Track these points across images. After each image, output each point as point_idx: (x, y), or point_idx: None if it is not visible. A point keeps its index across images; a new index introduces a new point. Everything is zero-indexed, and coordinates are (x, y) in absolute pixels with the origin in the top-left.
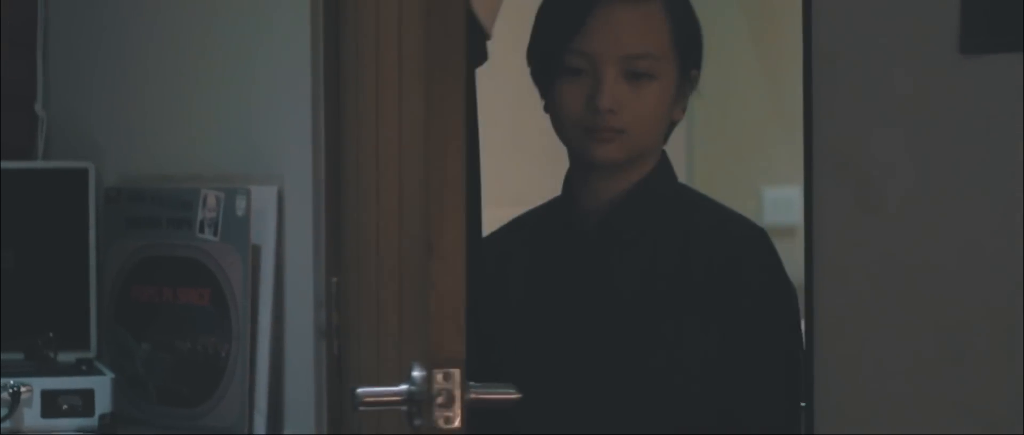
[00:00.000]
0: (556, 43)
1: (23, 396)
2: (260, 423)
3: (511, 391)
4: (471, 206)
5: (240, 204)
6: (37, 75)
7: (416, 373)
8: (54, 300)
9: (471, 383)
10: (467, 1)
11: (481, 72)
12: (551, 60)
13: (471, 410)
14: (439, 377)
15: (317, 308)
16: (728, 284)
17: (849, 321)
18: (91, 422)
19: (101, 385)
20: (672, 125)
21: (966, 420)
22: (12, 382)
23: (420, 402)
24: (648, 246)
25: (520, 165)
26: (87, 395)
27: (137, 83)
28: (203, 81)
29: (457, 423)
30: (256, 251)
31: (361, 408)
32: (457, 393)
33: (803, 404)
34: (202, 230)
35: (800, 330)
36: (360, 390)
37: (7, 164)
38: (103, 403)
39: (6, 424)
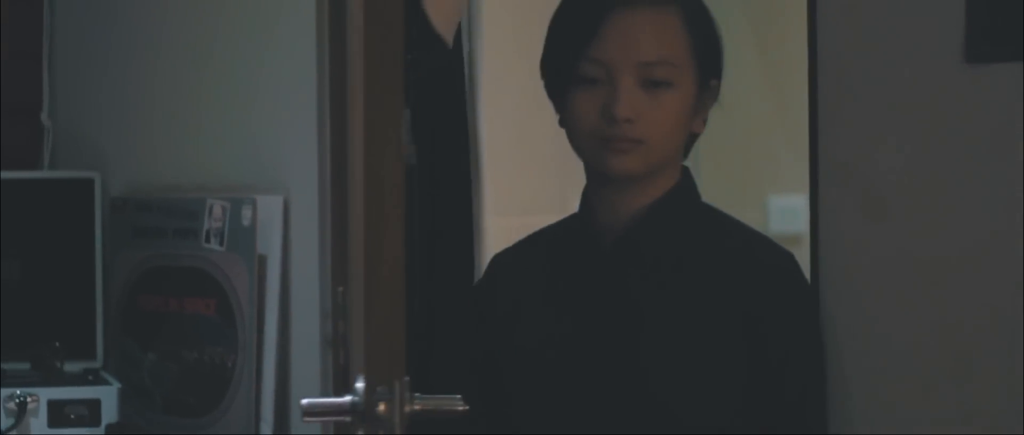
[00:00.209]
0: (570, 52)
1: (30, 406)
2: (266, 433)
3: (457, 402)
4: (466, 217)
5: (246, 214)
6: (43, 85)
7: (358, 384)
8: (60, 310)
9: (417, 394)
10: (422, 11)
11: (487, 83)
12: (565, 70)
13: (420, 421)
14: (380, 388)
15: (323, 318)
16: (757, 311)
17: (855, 328)
18: (98, 432)
19: (107, 395)
20: (693, 138)
21: (972, 424)
22: (19, 392)
23: (361, 413)
24: (670, 266)
25: (527, 176)
26: (94, 405)
27: (143, 93)
28: (209, 91)
29: (398, 433)
30: (262, 261)
31: (306, 419)
32: (397, 404)
33: None
34: (208, 240)
35: (825, 361)
36: (304, 401)
37: (15, 174)
38: (110, 413)
39: (13, 434)
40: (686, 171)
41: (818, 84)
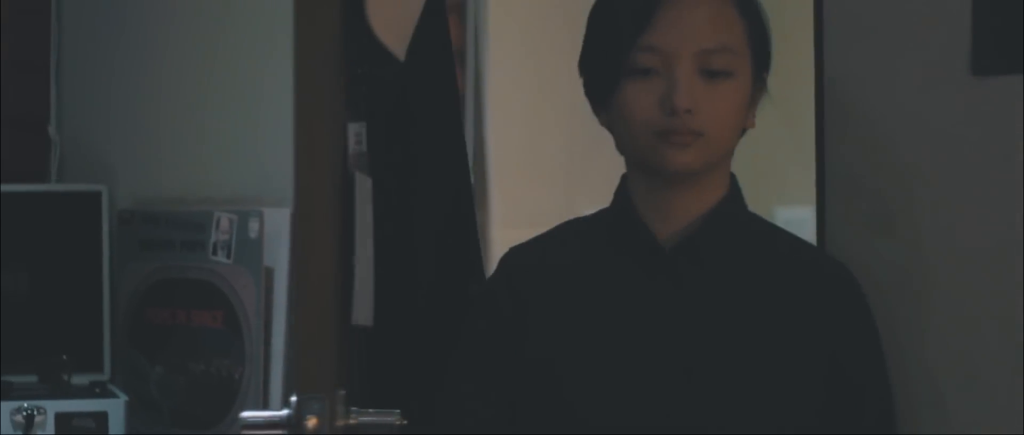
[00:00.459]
0: (621, 42)
1: (37, 419)
2: None
3: (395, 416)
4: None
5: (253, 226)
6: (50, 98)
7: (293, 398)
8: (67, 323)
9: (353, 408)
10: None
11: (495, 94)
12: (615, 61)
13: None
14: (312, 403)
15: None
16: (822, 325)
17: None
18: None
19: (115, 408)
20: (742, 133)
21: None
22: (26, 405)
23: (295, 426)
24: (734, 275)
25: (535, 187)
26: (101, 418)
27: (150, 106)
28: (215, 104)
29: None
30: (269, 273)
31: (243, 432)
32: (327, 418)
33: None
34: (215, 252)
35: (888, 374)
36: (243, 414)
37: (21, 187)
38: (117, 426)
39: None
40: (734, 177)
41: (825, 96)
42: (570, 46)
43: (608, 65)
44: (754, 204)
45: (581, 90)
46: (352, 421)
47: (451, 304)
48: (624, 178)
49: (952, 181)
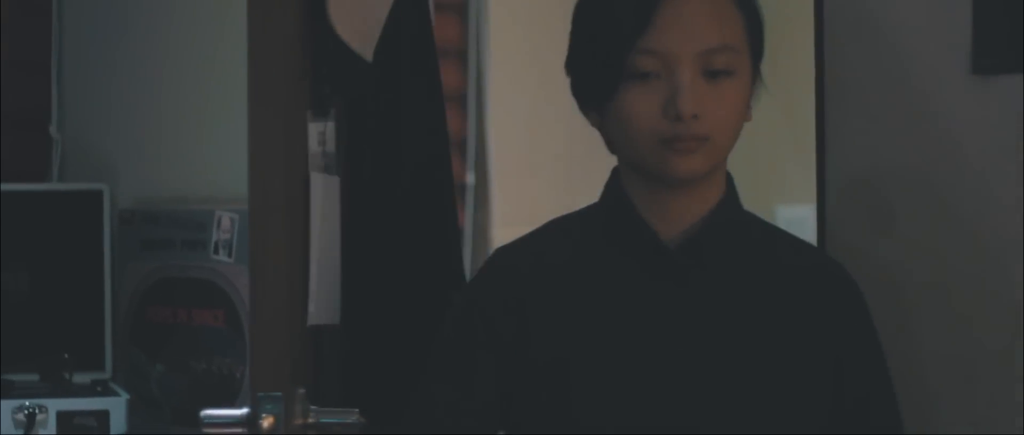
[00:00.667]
0: (620, 44)
1: (38, 417)
2: None
3: (353, 416)
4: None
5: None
6: (51, 97)
7: (260, 395)
8: (69, 321)
9: (313, 407)
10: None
11: (496, 93)
12: (612, 66)
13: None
14: (267, 403)
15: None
16: (826, 326)
17: None
18: None
19: (116, 406)
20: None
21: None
22: (27, 403)
23: (251, 425)
24: (735, 278)
25: (535, 185)
26: (102, 416)
27: (151, 105)
28: (217, 103)
29: None
30: None
31: (204, 430)
32: (284, 417)
33: None
34: (216, 251)
35: (891, 376)
36: (203, 413)
37: (23, 186)
38: (118, 424)
39: None
40: (730, 177)
41: (825, 94)
42: None
43: (605, 69)
44: (755, 203)
45: None
46: (310, 420)
47: (428, 304)
48: (616, 174)
49: (953, 180)
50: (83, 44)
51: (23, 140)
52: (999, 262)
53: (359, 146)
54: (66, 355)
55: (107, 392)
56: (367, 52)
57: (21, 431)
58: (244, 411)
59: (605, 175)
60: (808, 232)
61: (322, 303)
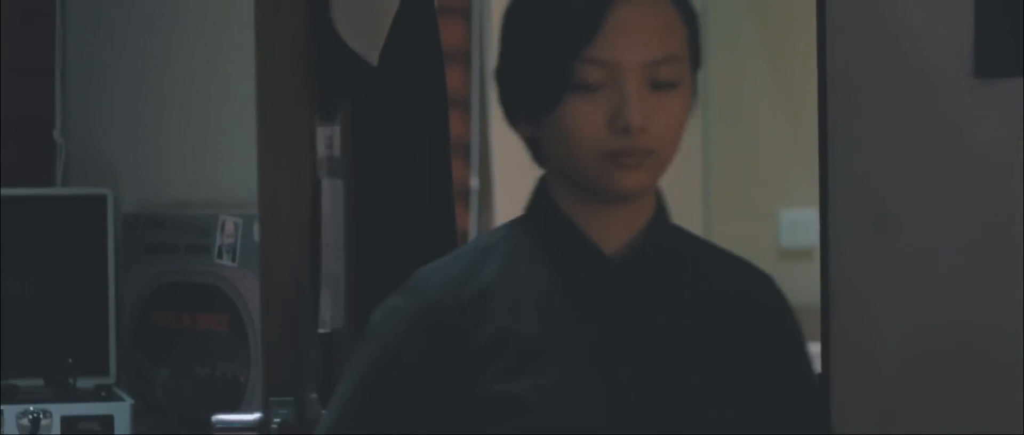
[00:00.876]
0: (564, 53)
1: (43, 422)
2: None
3: None
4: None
5: (258, 230)
6: (55, 102)
7: (272, 399)
8: (73, 326)
9: (323, 411)
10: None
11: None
12: (557, 77)
13: None
14: (279, 407)
15: None
16: (761, 331)
17: (864, 342)
18: None
19: (120, 411)
20: None
21: None
22: (32, 408)
23: (264, 429)
24: (676, 290)
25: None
26: (106, 421)
27: (155, 110)
28: (221, 108)
29: None
30: None
31: (216, 433)
32: (295, 420)
33: None
34: (220, 256)
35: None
36: (215, 418)
37: (27, 191)
38: (122, 429)
39: None
40: (658, 188)
41: (828, 98)
42: None
43: (547, 79)
44: (757, 207)
45: None
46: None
47: None
48: (543, 187)
49: (954, 183)
50: (87, 49)
51: (27, 145)
52: (1000, 265)
53: (367, 150)
54: (70, 360)
55: (111, 397)
56: (371, 55)
57: None
58: (256, 416)
59: None
60: (811, 236)
61: (330, 309)
